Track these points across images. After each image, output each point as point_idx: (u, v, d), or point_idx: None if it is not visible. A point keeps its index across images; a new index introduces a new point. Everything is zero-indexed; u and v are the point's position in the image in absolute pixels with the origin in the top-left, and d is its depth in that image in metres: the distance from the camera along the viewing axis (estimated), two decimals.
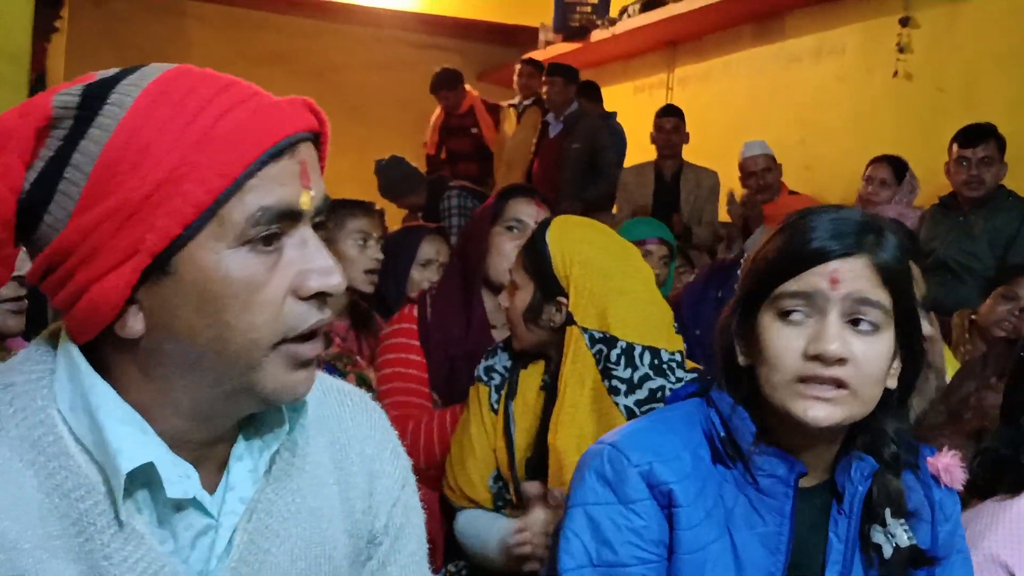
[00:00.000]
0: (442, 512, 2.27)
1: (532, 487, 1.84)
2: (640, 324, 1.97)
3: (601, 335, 1.95)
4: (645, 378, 1.92)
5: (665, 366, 1.94)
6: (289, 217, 0.92)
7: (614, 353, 1.93)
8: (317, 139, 0.97)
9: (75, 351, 0.94)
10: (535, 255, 2.05)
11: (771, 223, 4.85)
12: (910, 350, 1.36)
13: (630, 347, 1.93)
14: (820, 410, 1.29)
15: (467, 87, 7.88)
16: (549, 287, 2.01)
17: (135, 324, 0.90)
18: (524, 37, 9.83)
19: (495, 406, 2.14)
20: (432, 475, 2.34)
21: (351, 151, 9.23)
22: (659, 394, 1.89)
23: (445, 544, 2.30)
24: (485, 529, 2.08)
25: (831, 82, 6.40)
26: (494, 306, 2.59)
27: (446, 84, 7.69)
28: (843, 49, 6.32)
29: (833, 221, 1.32)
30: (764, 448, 1.36)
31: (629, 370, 1.92)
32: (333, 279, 0.94)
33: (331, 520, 1.10)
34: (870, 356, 1.29)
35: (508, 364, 2.16)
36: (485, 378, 2.17)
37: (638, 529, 1.39)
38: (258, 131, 0.89)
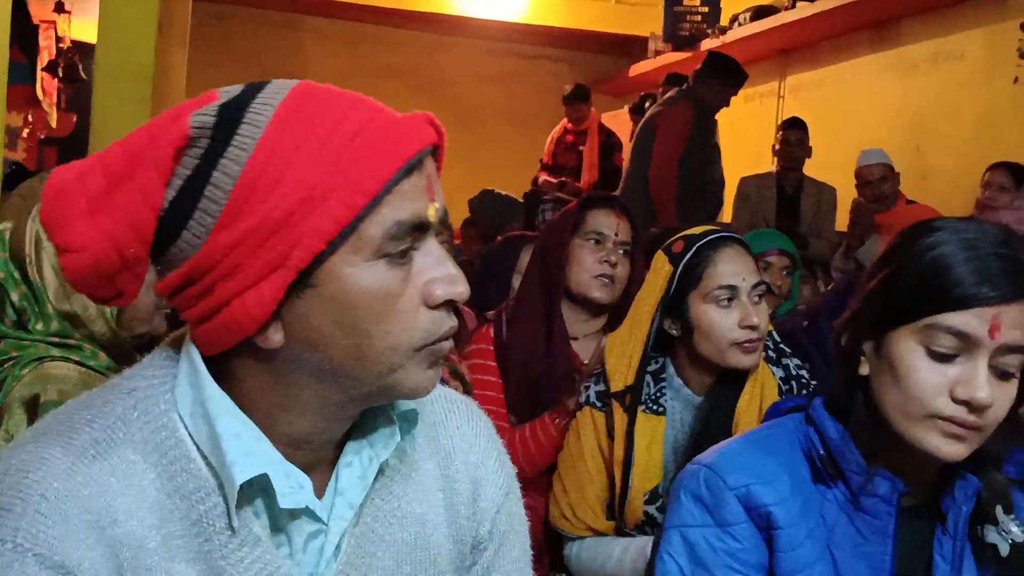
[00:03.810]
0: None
1: None
2: None
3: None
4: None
5: None
6: (419, 229, 0.95)
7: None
8: (435, 151, 0.99)
9: (198, 360, 0.98)
10: None
11: (885, 233, 4.78)
12: None
13: None
14: (953, 447, 1.27)
15: (592, 109, 8.05)
16: None
17: (275, 336, 0.93)
18: (634, 47, 9.82)
19: (612, 432, 2.13)
20: (541, 481, 2.36)
21: (464, 162, 9.35)
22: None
23: (550, 551, 2.32)
24: (611, 547, 2.08)
25: (949, 89, 6.25)
26: (573, 318, 2.58)
27: (582, 97, 7.90)
28: (962, 55, 6.17)
29: (1001, 258, 1.25)
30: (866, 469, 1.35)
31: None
32: (459, 287, 0.97)
33: (436, 526, 1.12)
34: (1004, 400, 1.26)
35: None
36: (599, 404, 2.16)
37: (735, 552, 1.38)
38: (391, 149, 0.91)
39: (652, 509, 2.04)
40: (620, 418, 2.10)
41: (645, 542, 2.02)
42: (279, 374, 0.97)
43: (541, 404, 2.47)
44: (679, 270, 2.06)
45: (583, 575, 2.14)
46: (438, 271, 0.97)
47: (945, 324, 1.25)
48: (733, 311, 2.02)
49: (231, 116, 0.91)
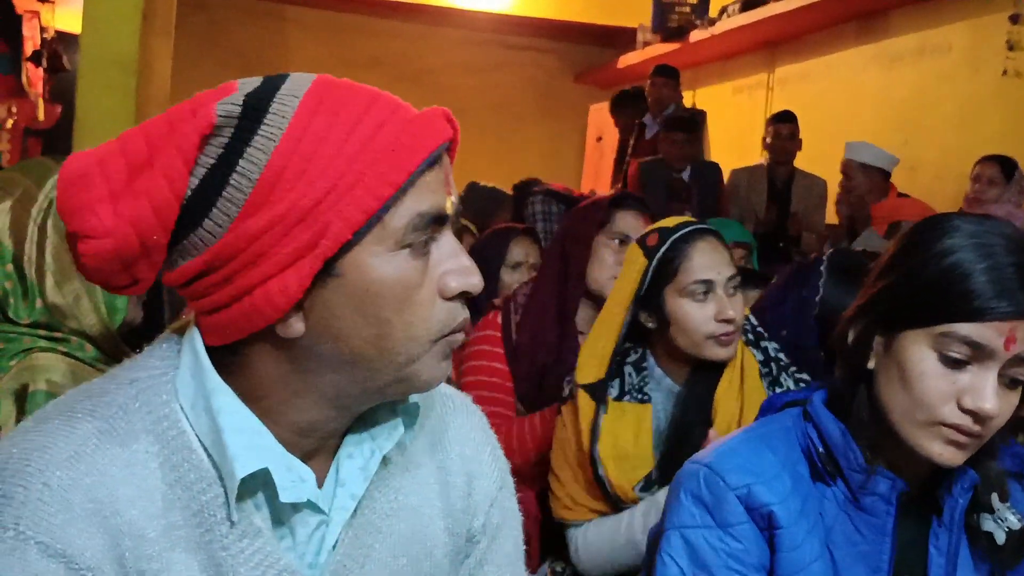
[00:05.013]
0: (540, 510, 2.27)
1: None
2: None
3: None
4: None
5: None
6: (438, 221, 0.97)
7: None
8: (449, 146, 1.02)
9: (202, 352, 0.98)
10: None
11: (879, 224, 4.79)
12: None
13: None
14: (952, 453, 1.27)
15: None
16: None
17: (297, 324, 0.95)
18: (622, 38, 9.80)
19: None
20: (530, 473, 2.35)
21: None
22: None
23: (541, 543, 2.30)
24: (619, 516, 2.07)
25: (935, 81, 6.26)
26: (585, 313, 2.56)
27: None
28: (949, 47, 6.17)
29: (1020, 267, 1.23)
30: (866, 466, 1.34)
31: None
32: (473, 279, 0.99)
33: (432, 518, 1.14)
34: (1007, 409, 1.27)
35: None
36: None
37: (736, 553, 1.37)
38: (414, 142, 0.94)
39: (647, 496, 2.03)
40: (585, 408, 2.08)
41: (653, 500, 2.00)
42: (296, 363, 0.98)
43: (547, 394, 2.45)
44: (653, 264, 2.06)
45: (594, 560, 2.11)
46: (453, 263, 0.99)
47: (960, 334, 1.24)
48: (709, 304, 2.03)
49: (257, 106, 0.92)
